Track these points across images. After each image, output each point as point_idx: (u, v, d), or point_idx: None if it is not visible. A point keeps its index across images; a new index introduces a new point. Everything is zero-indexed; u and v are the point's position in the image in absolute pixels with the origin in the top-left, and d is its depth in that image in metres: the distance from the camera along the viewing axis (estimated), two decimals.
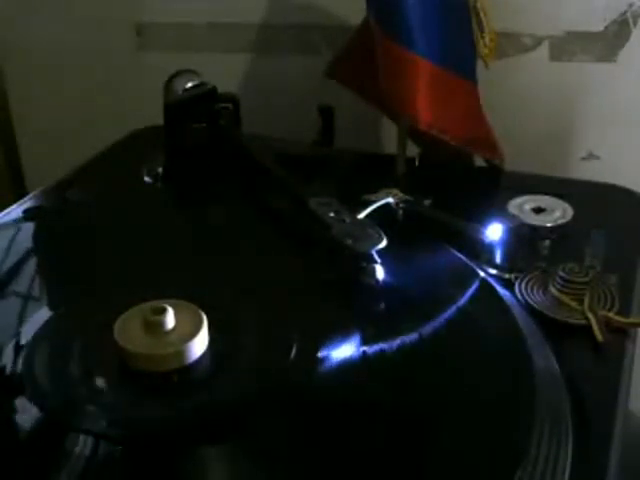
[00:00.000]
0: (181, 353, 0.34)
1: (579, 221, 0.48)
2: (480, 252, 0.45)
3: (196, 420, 0.32)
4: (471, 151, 0.58)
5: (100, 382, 0.34)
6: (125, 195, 0.54)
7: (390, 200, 0.49)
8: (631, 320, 0.40)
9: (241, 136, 0.56)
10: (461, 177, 0.57)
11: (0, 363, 0.36)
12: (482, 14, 0.54)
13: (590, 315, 0.40)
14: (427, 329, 0.38)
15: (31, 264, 0.46)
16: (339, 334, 0.37)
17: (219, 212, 0.51)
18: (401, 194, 0.50)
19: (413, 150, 0.59)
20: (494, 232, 0.45)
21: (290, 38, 0.72)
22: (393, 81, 0.53)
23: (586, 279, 0.41)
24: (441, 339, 0.38)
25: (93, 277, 0.43)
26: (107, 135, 0.62)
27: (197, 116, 0.54)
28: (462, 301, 0.40)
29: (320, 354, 0.35)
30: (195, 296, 0.37)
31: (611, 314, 0.40)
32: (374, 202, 0.47)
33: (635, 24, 0.62)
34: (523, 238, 0.46)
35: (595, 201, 0.52)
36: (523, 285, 0.43)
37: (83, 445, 0.31)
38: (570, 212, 0.49)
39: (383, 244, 0.41)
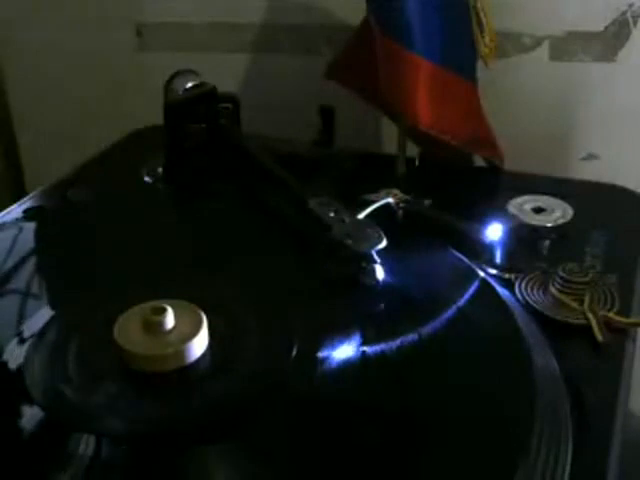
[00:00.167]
0: (181, 353, 0.34)
1: (579, 221, 0.48)
2: (480, 252, 0.45)
3: (196, 420, 0.32)
4: (471, 151, 0.58)
5: (99, 382, 0.34)
6: (125, 195, 0.54)
7: (390, 200, 0.49)
8: (631, 320, 0.40)
9: (241, 136, 0.56)
10: (461, 177, 0.57)
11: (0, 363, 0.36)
12: (482, 14, 0.54)
13: (590, 315, 0.40)
14: (427, 329, 0.38)
15: (31, 264, 0.45)
16: (339, 334, 0.37)
17: (219, 212, 0.51)
18: (401, 194, 0.50)
19: (413, 150, 0.59)
20: (494, 232, 0.45)
21: (290, 38, 0.72)
22: (393, 81, 0.53)
23: (586, 279, 0.41)
24: (441, 339, 0.38)
25: (93, 277, 0.43)
26: (107, 135, 0.62)
27: (197, 116, 0.54)
28: (462, 301, 0.40)
29: (320, 354, 0.35)
30: (195, 296, 0.37)
31: (611, 314, 0.40)
32: (374, 202, 0.47)
33: (635, 24, 0.62)
34: (523, 238, 0.46)
35: (595, 201, 0.52)
36: (523, 285, 0.43)
37: (82, 445, 0.31)
38: (570, 212, 0.49)
39: (383, 244, 0.41)
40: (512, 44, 0.65)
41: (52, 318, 0.38)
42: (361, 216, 0.45)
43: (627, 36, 0.63)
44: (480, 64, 0.56)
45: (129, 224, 0.49)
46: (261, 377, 0.35)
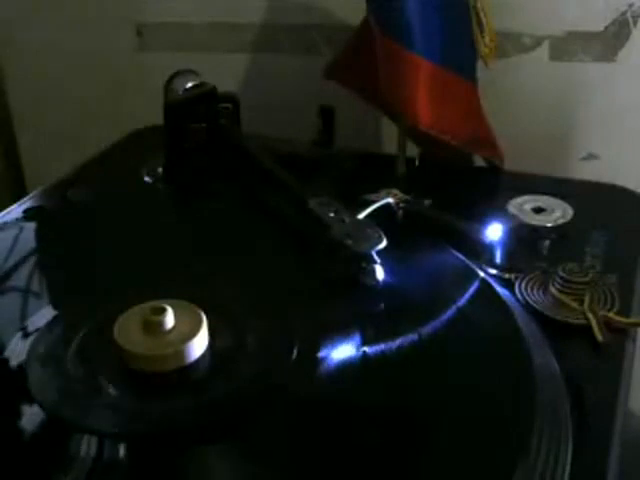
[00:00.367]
0: (180, 353, 0.34)
1: (579, 221, 0.48)
2: (480, 252, 0.45)
3: (196, 420, 0.32)
4: (471, 151, 0.58)
5: (99, 382, 0.34)
6: (125, 195, 0.54)
7: (390, 200, 0.49)
8: (631, 320, 0.40)
9: (241, 136, 0.56)
10: (461, 177, 0.57)
11: (0, 363, 0.36)
12: (482, 14, 0.54)
13: (590, 315, 0.40)
14: (427, 329, 0.38)
15: (31, 264, 0.45)
16: (339, 334, 0.37)
17: (219, 212, 0.51)
18: (401, 194, 0.50)
19: (413, 150, 0.59)
20: (494, 232, 0.45)
21: (290, 38, 0.72)
22: (393, 81, 0.53)
23: (586, 279, 0.41)
24: (441, 339, 0.38)
25: (93, 277, 0.43)
26: (107, 135, 0.62)
27: (197, 116, 0.54)
28: (462, 301, 0.40)
29: (320, 354, 0.35)
30: (195, 296, 0.37)
31: (611, 314, 0.40)
32: (374, 202, 0.47)
33: (635, 24, 0.62)
34: (523, 238, 0.46)
35: (595, 201, 0.52)
36: (523, 285, 0.42)
37: (82, 445, 0.31)
38: (570, 212, 0.49)
39: (383, 244, 0.41)
40: (512, 44, 0.65)
41: (52, 318, 0.38)
42: (361, 216, 0.45)
43: (627, 36, 0.63)
44: (480, 64, 0.56)
45: (129, 224, 0.49)
46: (261, 377, 0.35)
